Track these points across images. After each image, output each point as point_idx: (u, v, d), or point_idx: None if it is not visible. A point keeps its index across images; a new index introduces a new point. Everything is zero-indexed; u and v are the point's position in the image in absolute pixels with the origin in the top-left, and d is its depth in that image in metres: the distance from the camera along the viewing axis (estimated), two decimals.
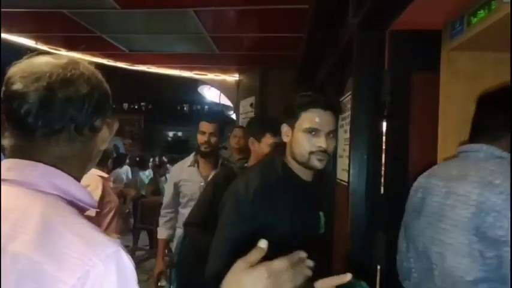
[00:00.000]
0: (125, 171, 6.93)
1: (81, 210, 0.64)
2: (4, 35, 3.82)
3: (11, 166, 0.63)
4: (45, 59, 0.67)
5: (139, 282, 0.59)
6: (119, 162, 6.83)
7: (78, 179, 0.68)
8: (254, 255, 0.73)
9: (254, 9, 3.00)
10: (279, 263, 0.69)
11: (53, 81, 0.63)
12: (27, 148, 0.63)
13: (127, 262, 0.57)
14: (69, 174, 0.65)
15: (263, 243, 0.72)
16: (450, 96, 1.54)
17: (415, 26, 1.69)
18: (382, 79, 1.84)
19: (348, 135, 2.18)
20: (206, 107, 17.68)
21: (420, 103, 1.78)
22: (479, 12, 1.27)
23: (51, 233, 0.54)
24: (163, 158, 9.57)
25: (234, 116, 6.26)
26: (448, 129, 1.56)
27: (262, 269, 0.67)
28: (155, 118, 20.25)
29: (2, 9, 3.01)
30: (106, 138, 0.73)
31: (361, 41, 1.89)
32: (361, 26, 1.84)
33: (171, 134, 22.23)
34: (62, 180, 0.64)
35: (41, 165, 0.62)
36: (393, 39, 1.80)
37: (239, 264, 0.71)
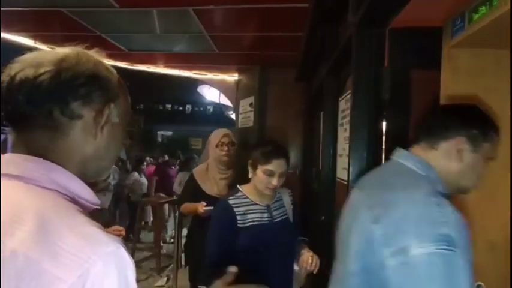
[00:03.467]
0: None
1: (83, 207, 0.62)
2: (3, 34, 3.81)
3: (10, 160, 0.61)
4: (43, 51, 0.66)
5: (139, 281, 0.58)
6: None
7: (80, 176, 0.65)
8: (229, 277, 0.97)
9: (254, 8, 2.99)
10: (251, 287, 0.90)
11: (20, 65, 0.61)
12: (17, 141, 0.62)
13: (127, 260, 0.56)
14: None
15: (233, 269, 0.97)
16: (451, 94, 1.53)
17: (415, 24, 1.68)
18: (381, 77, 1.83)
19: (347, 134, 2.17)
20: (209, 107, 17.61)
21: (420, 101, 1.77)
22: (480, 8, 1.25)
23: (49, 229, 0.53)
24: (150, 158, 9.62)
25: (233, 116, 6.24)
26: None
27: None
28: (155, 118, 20.23)
29: (0, 8, 2.99)
30: (96, 126, 0.67)
31: (360, 39, 1.88)
32: (360, 24, 1.83)
33: (171, 134, 22.22)
34: (60, 175, 0.61)
35: (39, 159, 0.61)
36: (393, 37, 1.78)
37: (217, 285, 0.92)
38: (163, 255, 5.25)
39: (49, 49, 0.66)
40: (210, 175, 2.72)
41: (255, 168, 1.87)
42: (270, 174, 1.81)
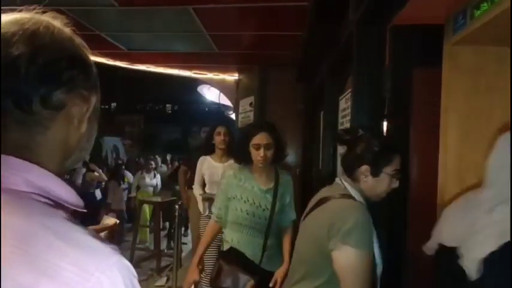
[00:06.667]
0: None
1: (65, 211, 0.52)
2: None
3: None
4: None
5: (139, 282, 0.54)
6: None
7: (58, 172, 0.54)
8: None
9: (253, 6, 2.98)
10: None
11: None
12: None
13: (130, 268, 0.50)
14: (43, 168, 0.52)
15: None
16: (452, 91, 1.52)
17: (416, 21, 1.67)
18: (382, 76, 1.82)
19: None
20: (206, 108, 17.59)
21: (421, 99, 1.76)
22: (482, 5, 1.24)
23: (38, 245, 0.44)
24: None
25: (233, 116, 6.23)
26: (450, 125, 1.53)
27: None
28: (155, 118, 20.23)
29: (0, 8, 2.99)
30: (82, 115, 0.56)
31: (361, 37, 1.86)
32: (361, 22, 1.82)
33: (170, 134, 22.23)
34: (37, 175, 0.50)
35: (8, 157, 0.49)
36: (394, 34, 1.77)
37: None
38: (163, 255, 5.23)
39: None
40: None
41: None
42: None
